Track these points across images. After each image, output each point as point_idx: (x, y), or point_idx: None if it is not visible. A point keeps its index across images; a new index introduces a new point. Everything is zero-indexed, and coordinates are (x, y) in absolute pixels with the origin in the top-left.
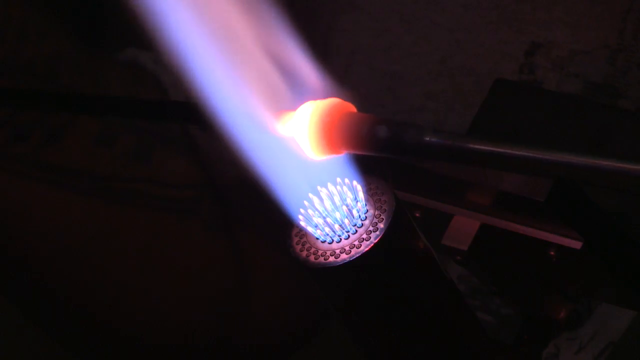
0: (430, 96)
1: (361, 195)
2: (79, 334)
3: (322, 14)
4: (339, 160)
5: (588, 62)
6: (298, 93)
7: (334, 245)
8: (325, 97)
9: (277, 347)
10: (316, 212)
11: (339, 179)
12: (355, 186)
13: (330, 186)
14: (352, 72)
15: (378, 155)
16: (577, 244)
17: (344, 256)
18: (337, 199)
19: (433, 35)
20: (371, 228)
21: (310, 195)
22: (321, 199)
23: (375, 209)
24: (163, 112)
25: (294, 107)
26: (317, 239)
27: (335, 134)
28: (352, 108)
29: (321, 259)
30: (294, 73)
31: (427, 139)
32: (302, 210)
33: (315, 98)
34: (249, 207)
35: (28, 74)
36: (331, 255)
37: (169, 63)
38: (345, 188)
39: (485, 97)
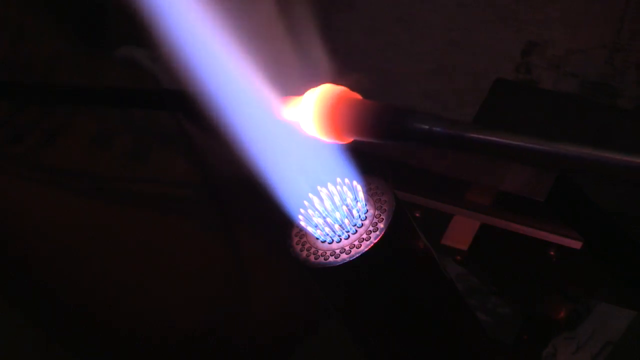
0: (426, 95)
1: (361, 195)
2: (79, 334)
3: (317, 13)
4: (339, 159)
5: (585, 62)
6: (308, 77)
7: (334, 245)
8: (331, 83)
9: (277, 347)
10: (316, 212)
11: (339, 179)
12: (355, 186)
13: (330, 186)
14: (348, 71)
15: (383, 142)
16: (577, 244)
17: (344, 256)
18: (337, 199)
19: (429, 34)
20: (371, 228)
21: (310, 195)
22: (321, 199)
23: (375, 209)
24: (155, 101)
25: (300, 92)
26: (317, 239)
27: (341, 120)
28: (357, 95)
29: (321, 259)
30: (307, 55)
31: (429, 127)
32: (302, 210)
33: (321, 83)
34: (249, 206)
35: (26, 73)
36: (331, 255)
37: (167, 53)
38: (345, 188)
39: (485, 97)
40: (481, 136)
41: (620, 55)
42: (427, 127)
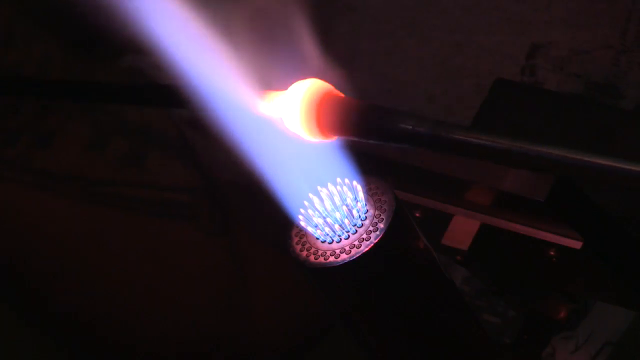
0: (431, 99)
1: (361, 195)
2: (76, 339)
3: (321, 17)
4: (338, 158)
5: (589, 62)
6: (291, 70)
7: (334, 245)
8: (315, 78)
9: (279, 350)
10: (316, 212)
11: (339, 179)
12: (355, 186)
13: (330, 186)
14: (353, 75)
15: (364, 140)
16: (577, 244)
17: (344, 256)
18: (337, 199)
19: (433, 37)
20: (371, 228)
21: (310, 195)
22: (321, 199)
23: (375, 209)
24: (145, 96)
25: (283, 86)
26: (317, 239)
27: (326, 116)
28: (339, 92)
29: (321, 259)
30: (291, 48)
31: (413, 127)
32: (302, 210)
33: (304, 78)
34: (248, 208)
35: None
36: (331, 255)
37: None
38: (345, 188)
39: (485, 97)
40: (466, 137)
41: (625, 57)
42: (410, 127)
